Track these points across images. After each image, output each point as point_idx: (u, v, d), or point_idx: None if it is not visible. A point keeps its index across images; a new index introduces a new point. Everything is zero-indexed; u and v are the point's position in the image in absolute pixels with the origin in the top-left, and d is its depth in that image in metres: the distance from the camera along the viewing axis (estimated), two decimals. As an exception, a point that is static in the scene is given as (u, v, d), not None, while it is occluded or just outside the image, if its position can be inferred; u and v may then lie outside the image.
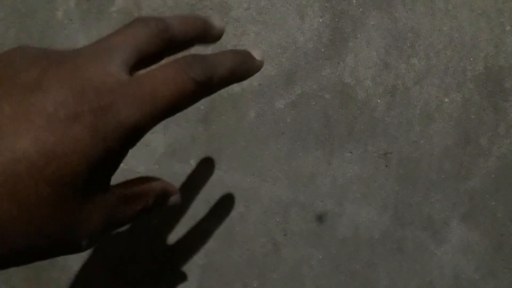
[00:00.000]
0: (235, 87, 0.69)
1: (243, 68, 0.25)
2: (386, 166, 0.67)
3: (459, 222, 0.67)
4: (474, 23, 0.65)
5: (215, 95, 0.70)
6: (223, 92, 0.69)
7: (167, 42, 0.22)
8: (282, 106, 0.68)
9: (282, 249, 0.70)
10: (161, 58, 0.23)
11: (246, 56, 0.26)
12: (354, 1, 0.65)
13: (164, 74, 0.20)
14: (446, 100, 0.66)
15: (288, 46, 0.67)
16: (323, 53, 0.67)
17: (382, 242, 0.68)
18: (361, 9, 0.66)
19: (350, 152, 0.68)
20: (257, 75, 0.68)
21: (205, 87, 0.21)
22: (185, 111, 0.71)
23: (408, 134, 0.67)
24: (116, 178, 0.73)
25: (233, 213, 0.70)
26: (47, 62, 0.18)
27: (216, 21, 0.27)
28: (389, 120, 0.67)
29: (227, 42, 0.68)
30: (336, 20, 0.66)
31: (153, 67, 0.21)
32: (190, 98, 0.20)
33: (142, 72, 0.20)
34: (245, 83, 0.68)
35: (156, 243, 0.72)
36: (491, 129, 0.66)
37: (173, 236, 0.72)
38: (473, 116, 0.66)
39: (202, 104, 0.70)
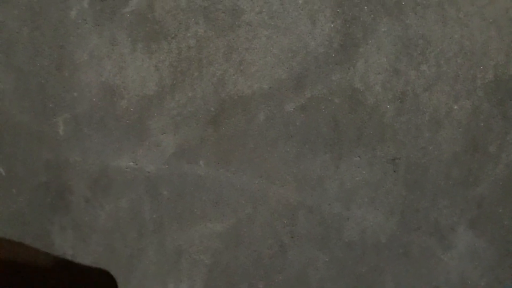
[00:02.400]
0: (246, 90, 0.69)
1: None
2: (394, 172, 0.68)
3: (466, 228, 0.68)
4: (485, 32, 0.65)
5: (225, 97, 0.70)
6: (234, 94, 0.70)
7: None
8: (292, 109, 0.68)
9: (289, 251, 0.70)
10: None
11: None
12: (365, 8, 0.66)
13: None
14: (456, 107, 0.67)
15: (299, 51, 0.68)
16: (333, 58, 0.67)
17: (389, 247, 0.69)
18: (372, 16, 0.66)
19: (359, 157, 0.68)
20: (268, 78, 0.69)
21: None
22: (195, 112, 0.71)
23: (416, 140, 0.67)
24: (126, 177, 0.74)
25: (241, 215, 0.71)
26: None
27: None
28: (398, 126, 0.67)
29: (239, 45, 0.69)
30: (347, 25, 0.67)
31: None
32: None
33: None
34: (255, 85, 0.69)
35: (164, 242, 0.73)
36: (500, 136, 0.66)
37: (181, 236, 0.72)
38: (482, 124, 0.66)
39: (212, 106, 0.71)
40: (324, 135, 0.68)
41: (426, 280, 0.68)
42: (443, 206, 0.67)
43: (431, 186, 0.67)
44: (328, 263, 0.69)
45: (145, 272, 0.74)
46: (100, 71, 0.73)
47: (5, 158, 0.79)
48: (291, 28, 0.68)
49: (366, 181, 0.68)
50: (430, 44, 0.66)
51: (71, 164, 0.77)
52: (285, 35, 0.68)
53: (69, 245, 0.74)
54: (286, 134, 0.69)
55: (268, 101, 0.69)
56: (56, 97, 0.75)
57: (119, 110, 0.73)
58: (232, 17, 0.69)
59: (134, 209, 0.72)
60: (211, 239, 0.71)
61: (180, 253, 0.72)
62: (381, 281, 0.68)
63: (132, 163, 0.74)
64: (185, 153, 0.71)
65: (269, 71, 0.69)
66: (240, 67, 0.69)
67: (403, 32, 0.66)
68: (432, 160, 0.67)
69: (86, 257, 0.75)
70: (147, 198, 0.72)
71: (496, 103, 0.66)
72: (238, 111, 0.70)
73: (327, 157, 0.68)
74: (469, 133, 0.67)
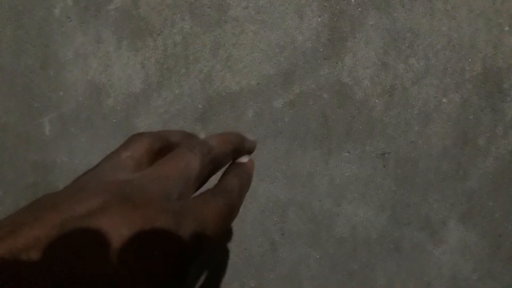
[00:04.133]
0: (233, 86, 0.69)
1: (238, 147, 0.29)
2: (384, 166, 0.67)
3: (457, 222, 0.67)
4: (472, 24, 0.64)
5: (212, 94, 0.69)
6: (221, 91, 0.69)
7: (211, 164, 0.24)
8: (280, 105, 0.68)
9: (280, 249, 0.69)
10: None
11: (238, 136, 0.30)
12: (353, 1, 0.65)
13: (209, 207, 0.22)
14: (445, 100, 0.66)
15: (287, 46, 0.67)
16: (321, 53, 0.67)
17: (380, 242, 0.68)
18: (359, 9, 0.65)
19: (348, 152, 0.67)
20: (255, 74, 0.68)
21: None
22: (182, 109, 0.70)
23: (406, 134, 0.67)
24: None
25: (231, 213, 0.70)
26: (109, 196, 0.19)
27: (249, 135, 0.30)
28: (387, 120, 0.67)
29: (225, 41, 0.68)
30: (335, 19, 0.66)
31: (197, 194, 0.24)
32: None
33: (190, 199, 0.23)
34: (242, 82, 0.68)
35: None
36: (489, 129, 0.66)
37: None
38: (471, 117, 0.66)
39: (199, 103, 0.70)
40: (313, 130, 0.68)
41: (417, 275, 0.68)
42: (433, 201, 0.67)
43: (421, 180, 0.67)
44: (319, 260, 0.68)
45: None
46: (85, 69, 0.72)
47: (-9, 160, 0.78)
48: (278, 23, 0.67)
49: (356, 176, 0.67)
50: (418, 37, 0.65)
51: (58, 165, 0.76)
52: (272, 30, 0.67)
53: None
54: (275, 131, 0.68)
55: (257, 98, 0.68)
56: (42, 97, 0.74)
57: (106, 109, 0.72)
58: (218, 13, 0.68)
59: (122, 209, 0.71)
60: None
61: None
62: (373, 277, 0.68)
63: (119, 162, 0.73)
64: (173, 151, 0.71)
65: (257, 67, 0.68)
66: (227, 63, 0.68)
67: (391, 25, 0.65)
68: (421, 154, 0.67)
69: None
70: (135, 197, 0.71)
71: (485, 96, 0.66)
72: (226, 108, 0.69)
73: (316, 153, 0.68)
74: (459, 127, 0.66)
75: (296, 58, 0.67)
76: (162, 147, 0.27)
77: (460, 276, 0.68)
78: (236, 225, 0.70)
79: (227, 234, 0.70)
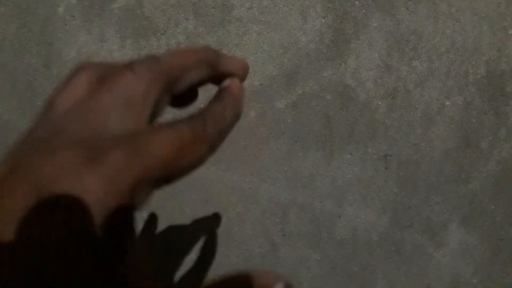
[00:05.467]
0: (236, 87, 0.69)
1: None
2: (386, 168, 0.67)
3: (458, 225, 0.67)
4: (477, 27, 0.64)
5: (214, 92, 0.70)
6: (224, 91, 0.69)
7: (164, 80, 0.19)
8: (283, 106, 0.68)
9: (280, 250, 0.69)
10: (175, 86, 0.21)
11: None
12: (357, 3, 0.65)
13: (165, 133, 0.18)
14: (448, 103, 0.66)
15: (290, 47, 0.67)
16: (325, 54, 0.67)
17: (380, 244, 0.68)
18: (363, 11, 0.65)
19: (350, 154, 0.67)
20: (258, 74, 0.68)
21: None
22: (185, 110, 0.70)
23: (408, 136, 0.67)
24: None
25: (232, 213, 0.70)
26: (20, 154, 0.16)
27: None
28: (390, 122, 0.67)
29: (229, 41, 0.68)
30: (339, 21, 0.66)
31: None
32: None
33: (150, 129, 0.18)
34: (245, 82, 0.68)
35: (154, 241, 0.72)
36: (491, 133, 0.66)
37: (171, 235, 0.71)
38: (474, 120, 0.66)
39: (202, 103, 0.70)
40: (315, 132, 0.68)
41: (418, 278, 0.68)
42: (435, 203, 0.67)
43: (423, 183, 0.67)
44: (319, 261, 0.68)
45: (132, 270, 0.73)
46: (88, 68, 0.72)
47: (-7, 157, 0.78)
48: (282, 24, 0.67)
49: (357, 178, 0.67)
50: (422, 39, 0.65)
51: (60, 163, 0.76)
52: (276, 31, 0.67)
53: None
54: (278, 131, 0.68)
55: (259, 98, 0.68)
56: (44, 95, 0.74)
57: (108, 108, 0.72)
58: (222, 13, 0.68)
59: (124, 207, 0.71)
60: (202, 238, 0.71)
61: (171, 253, 0.71)
62: (373, 279, 0.68)
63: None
64: (175, 151, 0.71)
65: (260, 68, 0.68)
66: (230, 64, 0.68)
67: (395, 27, 0.65)
68: (424, 156, 0.67)
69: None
70: (136, 196, 0.71)
71: (488, 99, 0.65)
72: (228, 108, 0.69)
73: (318, 154, 0.68)
74: (461, 129, 0.66)
75: (299, 59, 0.67)
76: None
77: (460, 279, 0.68)
78: (237, 226, 0.70)
79: (228, 234, 0.70)
